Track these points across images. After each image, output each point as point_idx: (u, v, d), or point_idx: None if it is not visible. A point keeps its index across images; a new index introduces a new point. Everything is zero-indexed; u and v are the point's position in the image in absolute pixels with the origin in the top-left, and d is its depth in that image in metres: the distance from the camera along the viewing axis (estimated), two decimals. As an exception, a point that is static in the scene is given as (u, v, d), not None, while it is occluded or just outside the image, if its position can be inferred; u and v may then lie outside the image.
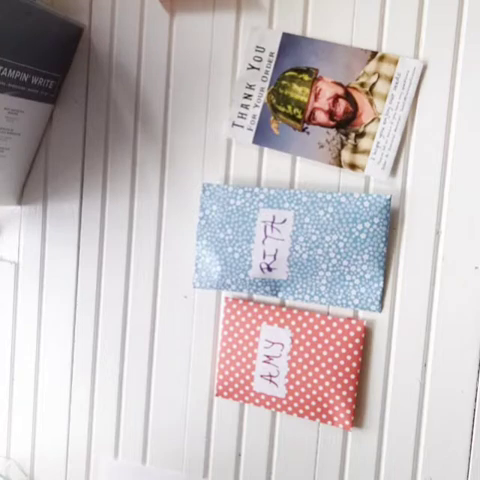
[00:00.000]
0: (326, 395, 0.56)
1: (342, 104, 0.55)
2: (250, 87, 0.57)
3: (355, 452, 0.57)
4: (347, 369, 0.55)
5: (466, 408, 0.54)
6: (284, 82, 0.56)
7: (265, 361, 0.58)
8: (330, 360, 0.56)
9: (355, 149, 0.55)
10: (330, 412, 0.56)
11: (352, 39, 0.55)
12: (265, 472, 0.60)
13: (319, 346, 0.56)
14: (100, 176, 0.63)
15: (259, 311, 0.58)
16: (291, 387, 0.57)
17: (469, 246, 0.53)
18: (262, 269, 0.57)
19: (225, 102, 0.59)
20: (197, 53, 0.59)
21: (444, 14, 0.53)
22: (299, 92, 0.56)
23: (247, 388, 0.58)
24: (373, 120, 0.55)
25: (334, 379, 0.56)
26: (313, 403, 0.56)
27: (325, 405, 0.56)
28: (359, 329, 0.55)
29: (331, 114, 0.55)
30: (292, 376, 0.57)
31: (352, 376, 0.55)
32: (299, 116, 0.56)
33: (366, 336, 0.56)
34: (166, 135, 0.61)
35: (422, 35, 0.53)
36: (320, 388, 0.56)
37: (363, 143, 0.55)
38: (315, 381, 0.56)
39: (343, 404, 0.55)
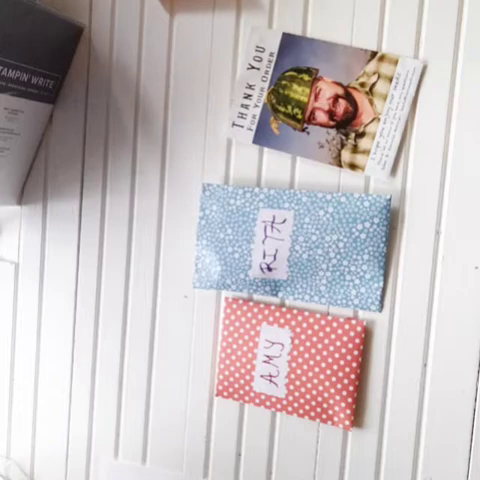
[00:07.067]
0: (326, 395, 0.56)
1: (342, 104, 0.55)
2: (250, 87, 0.57)
3: (355, 452, 0.57)
4: (347, 369, 0.55)
5: (466, 408, 0.54)
6: (284, 82, 0.56)
7: (265, 361, 0.58)
8: (330, 360, 0.56)
9: (355, 149, 0.55)
10: (330, 412, 0.56)
11: (352, 39, 0.55)
12: (265, 472, 0.60)
13: (319, 346, 0.56)
14: (100, 176, 0.63)
15: (259, 311, 0.58)
16: (291, 387, 0.57)
17: (469, 246, 0.53)
18: (262, 269, 0.57)
19: (225, 102, 0.59)
20: (197, 53, 0.59)
21: (444, 14, 0.53)
22: (299, 92, 0.56)
23: (247, 388, 0.58)
24: (373, 120, 0.55)
25: (334, 379, 0.56)
26: (313, 403, 0.56)
27: (325, 405, 0.56)
28: (359, 329, 0.55)
29: (331, 114, 0.55)
30: (292, 376, 0.57)
31: (352, 376, 0.55)
32: (299, 116, 0.56)
33: (366, 336, 0.56)
34: (166, 135, 0.61)
35: (422, 35, 0.53)
36: (320, 388, 0.56)
37: (363, 143, 0.55)
38: (315, 381, 0.56)
39: (343, 404, 0.55)
